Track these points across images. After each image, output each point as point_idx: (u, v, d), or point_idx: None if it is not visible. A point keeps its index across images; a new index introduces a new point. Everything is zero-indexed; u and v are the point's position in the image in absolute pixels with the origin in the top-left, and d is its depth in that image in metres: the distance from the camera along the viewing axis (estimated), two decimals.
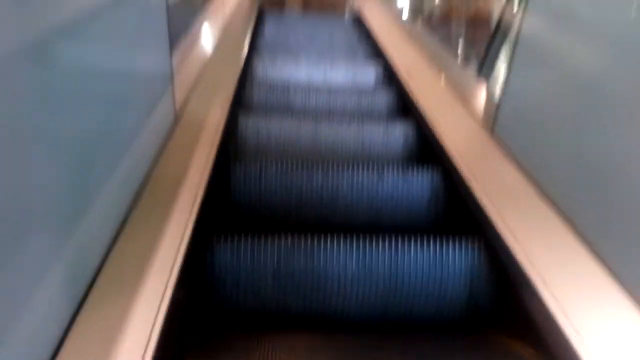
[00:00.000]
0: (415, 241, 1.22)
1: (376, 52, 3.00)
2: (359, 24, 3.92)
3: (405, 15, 3.99)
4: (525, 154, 1.35)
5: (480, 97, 1.89)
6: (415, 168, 1.53)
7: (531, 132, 1.35)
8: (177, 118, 1.57)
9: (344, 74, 2.51)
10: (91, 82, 0.91)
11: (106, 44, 1.00)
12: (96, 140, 0.92)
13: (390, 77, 2.54)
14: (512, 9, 2.71)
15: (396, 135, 1.81)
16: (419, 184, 1.48)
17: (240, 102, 2.04)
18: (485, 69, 2.53)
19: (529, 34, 1.40)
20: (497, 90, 1.88)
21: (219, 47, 2.56)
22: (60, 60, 0.77)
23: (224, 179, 1.45)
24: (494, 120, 1.53)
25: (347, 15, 5.72)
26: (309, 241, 1.22)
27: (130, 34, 1.18)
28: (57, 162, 0.74)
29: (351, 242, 1.22)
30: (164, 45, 1.47)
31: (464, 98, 1.95)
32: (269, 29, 3.56)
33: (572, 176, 1.15)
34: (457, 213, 1.43)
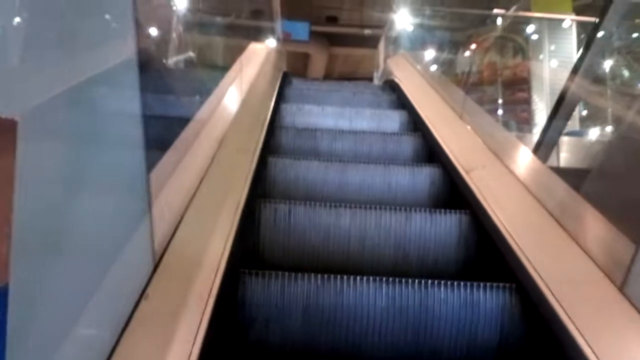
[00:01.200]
0: (446, 283, 1.39)
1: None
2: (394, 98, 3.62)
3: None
4: None
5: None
6: None
7: None
8: (160, 258, 1.14)
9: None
10: None
11: None
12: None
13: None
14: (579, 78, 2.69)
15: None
16: None
17: (268, 149, 2.29)
18: (543, 148, 2.35)
19: None
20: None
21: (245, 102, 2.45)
22: None
23: None
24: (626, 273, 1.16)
25: (376, 82, 5.93)
26: (339, 280, 1.40)
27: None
28: None
29: (380, 282, 1.40)
30: (136, 164, 1.04)
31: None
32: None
33: None
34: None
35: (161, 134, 1.57)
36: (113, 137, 0.96)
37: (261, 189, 1.98)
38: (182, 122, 1.74)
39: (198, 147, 1.72)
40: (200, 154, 1.72)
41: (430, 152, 2.48)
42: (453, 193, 2.05)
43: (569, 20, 4.85)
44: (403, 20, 5.92)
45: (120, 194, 0.99)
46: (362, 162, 2.15)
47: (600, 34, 2.32)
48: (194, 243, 1.30)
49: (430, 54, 5.03)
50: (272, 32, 5.59)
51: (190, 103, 2.22)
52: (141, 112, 1.02)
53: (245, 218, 1.55)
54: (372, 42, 8.81)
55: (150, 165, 1.13)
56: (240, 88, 2.67)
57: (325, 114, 2.94)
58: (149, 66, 1.75)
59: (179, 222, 1.31)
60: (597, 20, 2.39)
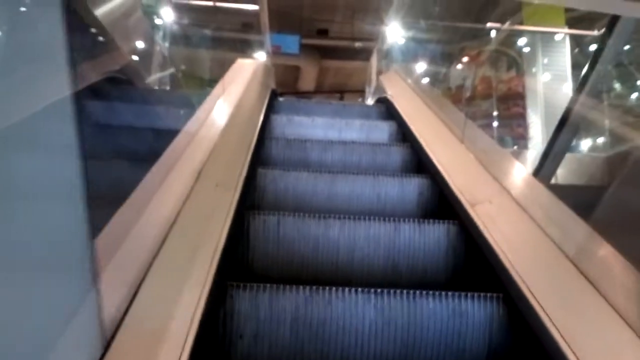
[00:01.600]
0: (434, 294, 1.44)
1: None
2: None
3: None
4: None
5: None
6: None
7: None
8: (112, 337, 0.95)
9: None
10: None
11: None
12: None
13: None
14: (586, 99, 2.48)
15: None
16: None
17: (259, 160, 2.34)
18: (544, 170, 2.44)
19: None
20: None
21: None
22: None
23: None
24: None
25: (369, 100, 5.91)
26: (327, 292, 1.44)
27: None
28: None
29: (369, 294, 1.44)
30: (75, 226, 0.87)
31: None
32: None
33: None
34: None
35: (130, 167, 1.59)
36: (42, 192, 0.83)
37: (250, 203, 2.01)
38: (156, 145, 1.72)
39: (170, 184, 1.59)
40: (173, 190, 1.58)
41: (421, 167, 2.46)
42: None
43: (562, 33, 5.00)
44: (395, 34, 6.00)
45: (54, 267, 0.84)
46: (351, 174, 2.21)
47: (607, 47, 2.26)
48: (155, 311, 1.11)
49: (422, 67, 5.12)
50: (260, 45, 5.66)
51: (159, 133, 2.15)
52: (83, 162, 0.85)
53: (223, 266, 1.41)
54: (363, 55, 8.96)
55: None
56: (218, 115, 2.48)
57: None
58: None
59: (141, 283, 1.11)
60: (601, 32, 2.33)
